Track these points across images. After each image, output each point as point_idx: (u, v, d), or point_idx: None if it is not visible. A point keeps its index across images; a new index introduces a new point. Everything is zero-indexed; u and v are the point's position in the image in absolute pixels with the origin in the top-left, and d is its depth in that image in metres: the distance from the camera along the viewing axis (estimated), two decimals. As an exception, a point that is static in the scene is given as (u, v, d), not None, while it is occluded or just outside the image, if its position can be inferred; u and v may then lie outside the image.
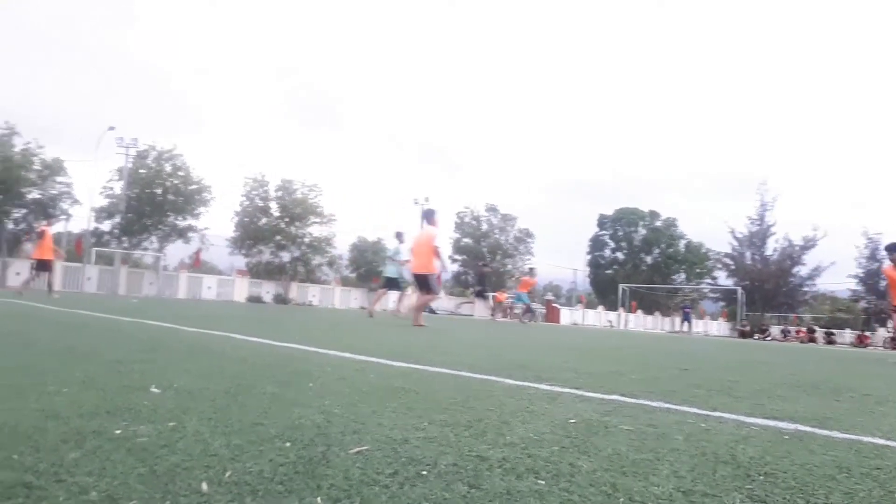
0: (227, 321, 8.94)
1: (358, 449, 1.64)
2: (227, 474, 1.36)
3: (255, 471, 1.40)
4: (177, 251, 36.89)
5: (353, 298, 38.31)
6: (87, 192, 39.21)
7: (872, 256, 49.82)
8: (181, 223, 35.10)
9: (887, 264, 10.45)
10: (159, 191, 33.77)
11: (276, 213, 36.59)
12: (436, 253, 10.62)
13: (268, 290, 34.82)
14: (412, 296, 11.01)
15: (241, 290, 33.52)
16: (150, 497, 1.20)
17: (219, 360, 3.71)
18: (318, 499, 1.24)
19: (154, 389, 2.37)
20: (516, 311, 22.57)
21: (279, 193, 36.71)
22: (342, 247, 41.11)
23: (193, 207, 34.82)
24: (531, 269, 24.75)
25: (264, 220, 36.29)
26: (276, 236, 36.34)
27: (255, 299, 32.55)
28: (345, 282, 40.96)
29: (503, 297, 26.35)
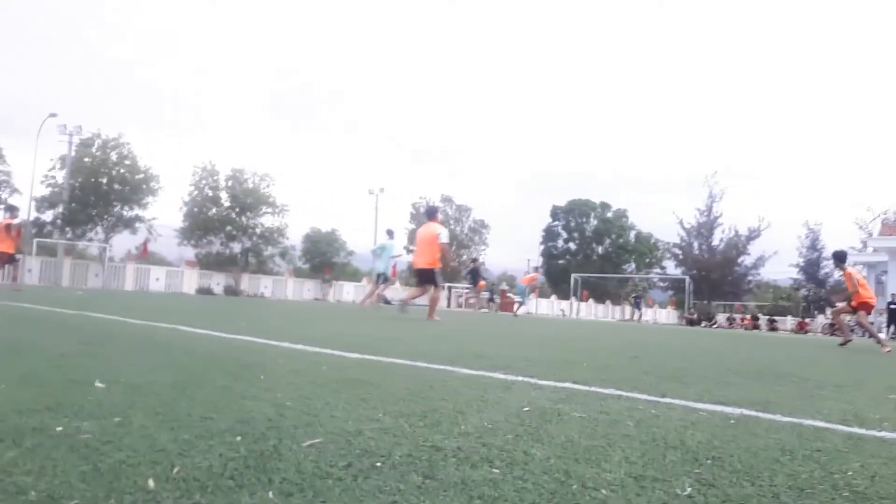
0: (176, 313, 8.73)
1: (311, 442, 1.61)
2: (175, 470, 1.32)
3: (205, 466, 1.36)
4: (123, 242, 35.82)
5: (306, 290, 37.91)
6: (28, 181, 37.54)
7: (813, 246, 51.77)
8: (128, 213, 34.08)
9: (848, 269, 11.99)
10: (105, 180, 32.66)
11: (227, 203, 35.88)
12: (442, 249, 10.76)
13: (218, 281, 34.18)
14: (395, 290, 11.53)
15: (190, 281, 32.80)
16: (94, 496, 1.16)
17: (167, 353, 3.62)
18: (270, 493, 1.21)
19: (99, 384, 2.29)
20: (516, 302, 23.17)
21: (230, 183, 36.01)
22: (295, 237, 40.58)
23: (141, 197, 33.83)
24: (536, 267, 25.53)
25: (214, 211, 35.56)
26: (227, 227, 35.66)
27: (205, 291, 31.93)
28: (297, 273, 40.45)
29: (483, 286, 26.92)
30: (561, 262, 58.03)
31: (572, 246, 59.83)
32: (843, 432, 2.18)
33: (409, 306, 11.57)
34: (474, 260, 27.46)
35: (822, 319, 37.30)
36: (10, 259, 14.59)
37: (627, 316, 38.82)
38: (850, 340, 11.95)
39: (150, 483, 1.23)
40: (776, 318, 40.43)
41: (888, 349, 9.84)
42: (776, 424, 2.27)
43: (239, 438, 1.62)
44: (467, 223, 52.47)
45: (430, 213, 11.62)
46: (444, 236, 10.75)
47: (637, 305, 37.42)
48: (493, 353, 4.53)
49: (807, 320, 39.25)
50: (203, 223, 35.26)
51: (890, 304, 25.34)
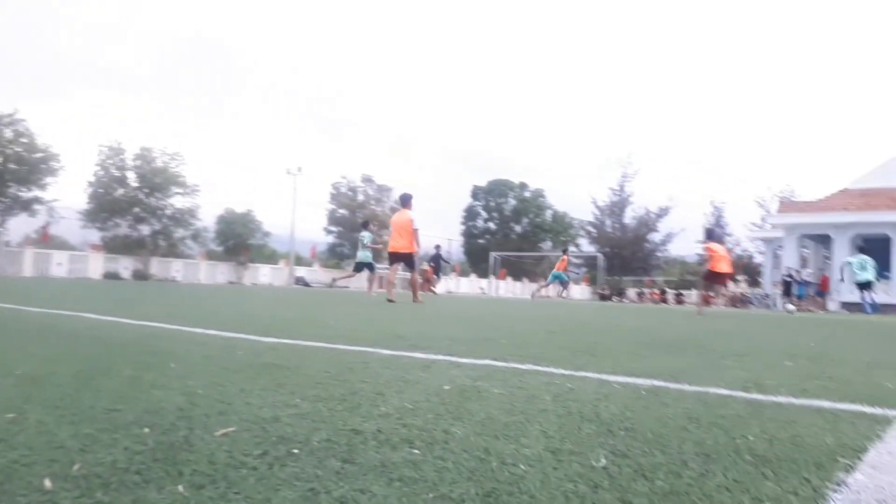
0: (80, 300, 8.28)
1: (224, 431, 1.56)
2: (76, 467, 1.24)
3: (108, 461, 1.29)
4: (21, 225, 33.53)
5: (220, 273, 36.79)
6: None
7: (717, 224, 54.41)
8: (25, 195, 31.89)
9: (712, 245, 13.34)
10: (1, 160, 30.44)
11: (135, 184, 34.21)
12: (415, 235, 11.32)
13: (126, 265, 32.67)
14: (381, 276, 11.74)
15: (95, 266, 31.19)
16: (-18, 499, 1.07)
17: (70, 341, 3.43)
18: (180, 487, 1.16)
19: (-10, 378, 2.14)
20: (559, 288, 24.48)
21: (137, 163, 34.31)
22: (208, 219, 39.19)
23: (39, 178, 31.71)
24: (565, 249, 26.35)
25: (121, 191, 33.84)
26: (135, 208, 34.03)
27: (112, 276, 30.47)
28: (211, 256, 39.15)
29: (431, 271, 27.32)
30: (481, 241, 58.71)
31: (492, 225, 60.62)
32: (744, 399, 2.31)
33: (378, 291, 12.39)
34: (437, 246, 28.27)
35: (724, 292, 39.25)
36: None
37: (554, 294, 39.92)
38: (709, 305, 14.10)
39: (47, 483, 1.15)
40: (683, 291, 42.36)
41: (700, 314, 11.74)
42: (684, 394, 2.37)
43: (146, 430, 1.54)
44: (388, 203, 52.09)
45: (405, 200, 11.94)
46: (416, 222, 11.32)
47: (564, 282, 38.56)
48: (413, 334, 4.53)
49: (711, 294, 41.36)
50: (109, 205, 33.51)
51: (784, 276, 27.03)
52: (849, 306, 25.29)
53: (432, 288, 26.12)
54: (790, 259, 30.71)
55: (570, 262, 56.60)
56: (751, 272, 48.47)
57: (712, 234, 14.67)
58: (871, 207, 29.17)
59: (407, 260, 11.44)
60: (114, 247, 33.69)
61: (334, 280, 14.73)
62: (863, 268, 17.26)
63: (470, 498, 1.16)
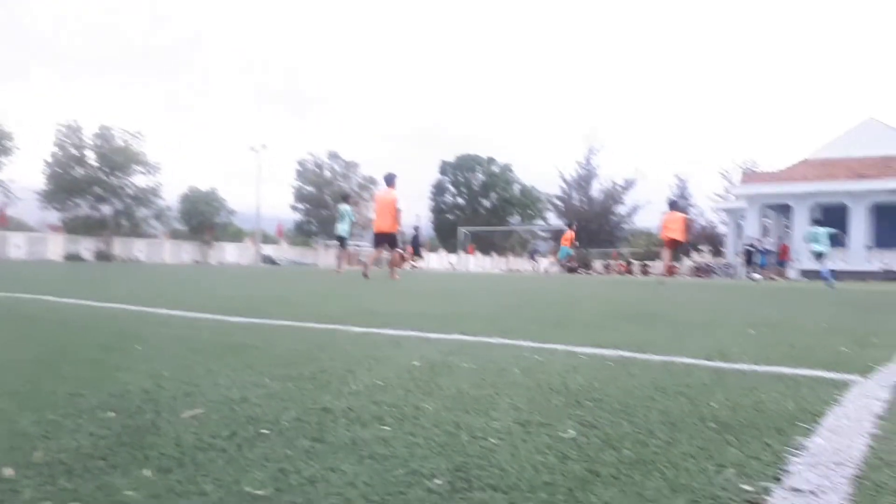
0: (41, 282, 8.08)
1: (191, 413, 1.54)
2: (38, 454, 1.21)
3: (72, 447, 1.26)
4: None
5: (184, 252, 36.22)
6: None
7: (682, 195, 55.16)
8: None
9: (673, 213, 14.51)
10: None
11: (94, 163, 33.31)
12: (398, 214, 11.60)
13: (87, 246, 31.95)
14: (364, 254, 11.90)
15: (56, 247, 30.45)
16: (-60, 490, 1.04)
17: (30, 325, 3.35)
18: (146, 471, 1.14)
19: (-54, 366, 2.08)
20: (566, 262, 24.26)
21: (97, 142, 33.37)
22: (171, 198, 38.42)
23: (-9, 158, 30.71)
24: (570, 223, 26.63)
25: (80, 171, 32.93)
26: (95, 188, 33.19)
27: (73, 257, 29.81)
28: (175, 235, 38.47)
29: (411, 250, 28.18)
30: (450, 216, 58.68)
31: (460, 200, 60.57)
32: (708, 367, 2.36)
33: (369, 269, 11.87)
34: (416, 227, 29.02)
35: (689, 263, 40.08)
36: None
37: (528, 268, 40.52)
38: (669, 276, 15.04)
39: (8, 471, 1.12)
40: (648, 263, 43.00)
41: (663, 283, 12.49)
42: (650, 364, 2.41)
43: (111, 414, 1.51)
44: (355, 179, 51.63)
45: (389, 180, 12.03)
46: (399, 202, 11.59)
47: (533, 256, 39.61)
48: (383, 310, 4.52)
49: (675, 264, 42.06)
50: (68, 185, 32.60)
51: (746, 246, 27.60)
52: (808, 274, 25.98)
53: (414, 264, 26.74)
54: (752, 229, 31.34)
55: (538, 236, 57.14)
56: (714, 242, 49.40)
57: (675, 205, 15.70)
58: (830, 177, 29.85)
59: (391, 240, 11.64)
60: (74, 227, 32.87)
61: (339, 271, 14.66)
62: (815, 239, 17.26)
63: (441, 473, 1.16)
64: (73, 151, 33.10)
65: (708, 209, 54.36)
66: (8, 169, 31.45)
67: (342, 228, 15.23)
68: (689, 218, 17.61)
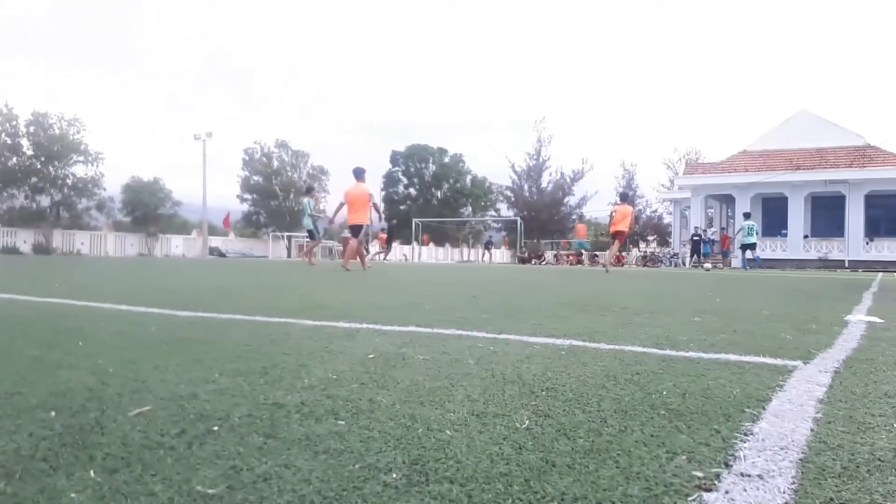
0: (-27, 277, 7.72)
1: (138, 410, 1.49)
2: (-27, 458, 1.16)
3: (11, 449, 1.21)
4: None
5: (128, 245, 35.16)
6: None
7: (628, 185, 56.19)
8: None
9: (623, 206, 15.59)
10: None
11: (30, 152, 31.95)
12: (374, 207, 12.28)
13: (25, 239, 30.69)
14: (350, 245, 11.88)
15: (-11, 240, 29.17)
16: None
17: (-39, 323, 3.19)
18: (91, 472, 1.10)
19: None
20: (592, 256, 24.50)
21: (31, 129, 31.99)
22: (114, 188, 37.16)
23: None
24: (581, 215, 27.06)
25: (14, 160, 31.54)
26: (31, 178, 31.84)
27: (10, 250, 28.61)
28: (118, 227, 37.26)
29: (384, 237, 29.41)
30: (402, 207, 58.42)
31: (412, 191, 60.37)
32: (657, 355, 2.41)
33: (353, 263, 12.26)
34: (390, 219, 30.24)
35: (636, 253, 40.93)
36: None
37: (478, 258, 40.85)
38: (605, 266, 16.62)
39: (-59, 477, 1.07)
40: (598, 253, 43.75)
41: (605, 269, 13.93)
42: (601, 352, 2.45)
43: (53, 414, 1.46)
44: (305, 169, 50.85)
45: (358, 174, 12.40)
46: (374, 197, 12.25)
47: (488, 247, 40.19)
48: (336, 303, 4.48)
49: (623, 254, 42.89)
50: (2, 175, 31.19)
51: (693, 236, 28.31)
52: (749, 263, 26.86)
53: (385, 256, 27.79)
54: (697, 219, 32.16)
55: (490, 227, 57.48)
56: (660, 232, 50.54)
57: (625, 198, 17.37)
58: (769, 168, 30.84)
59: (358, 230, 12.05)
60: (10, 219, 31.52)
61: (308, 261, 15.07)
62: (750, 233, 21.14)
63: (397, 466, 1.15)
64: (7, 140, 31.67)
65: (654, 199, 55.56)
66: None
67: (307, 222, 15.55)
68: (637, 210, 20.40)
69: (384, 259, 28.70)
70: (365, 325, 3.13)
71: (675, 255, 33.86)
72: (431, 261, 40.10)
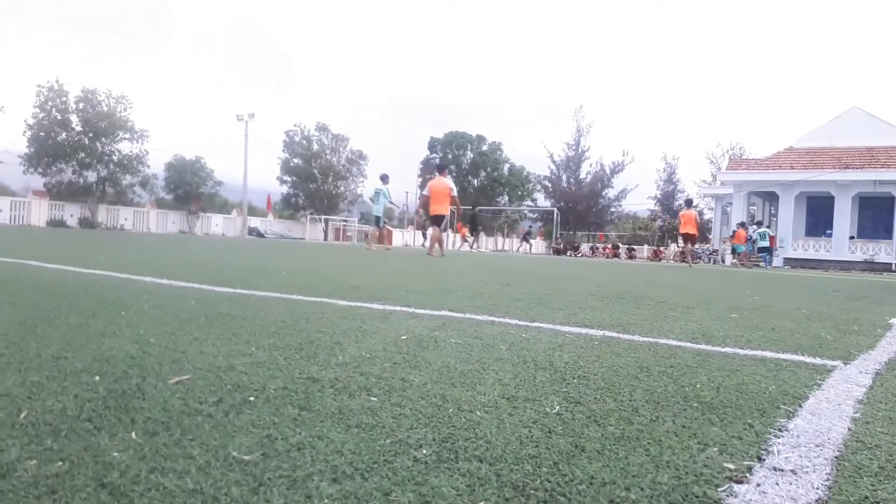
0: (23, 247, 7.99)
1: (178, 379, 1.53)
2: (23, 415, 1.21)
3: (58, 409, 1.26)
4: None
5: (170, 222, 35.94)
6: None
7: (669, 179, 55.35)
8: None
9: (687, 211, 18.27)
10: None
11: (78, 128, 32.79)
12: (453, 200, 13.11)
13: (72, 212, 31.61)
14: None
15: (39, 213, 30.10)
16: (-77, 448, 1.03)
17: (11, 290, 3.31)
18: (133, 433, 1.14)
19: (-73, 326, 2.05)
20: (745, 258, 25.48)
21: (81, 105, 32.81)
22: (157, 166, 37.95)
23: (-29, 119, 30.06)
24: (742, 223, 27.90)
25: (64, 136, 32.41)
26: (79, 153, 32.70)
27: (57, 223, 29.52)
28: (160, 204, 38.11)
29: (464, 230, 31.54)
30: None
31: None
32: (692, 349, 2.38)
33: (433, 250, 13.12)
34: (473, 207, 31.77)
35: (674, 247, 40.34)
36: None
37: (513, 248, 41.09)
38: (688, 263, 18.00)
39: (-8, 430, 1.12)
40: (634, 246, 43.22)
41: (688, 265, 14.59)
42: (635, 344, 2.43)
43: (97, 378, 1.51)
44: (344, 154, 51.19)
45: (441, 168, 14.07)
46: (454, 190, 13.13)
47: (526, 238, 40.43)
48: (370, 285, 4.52)
49: (661, 248, 42.30)
50: (51, 149, 32.07)
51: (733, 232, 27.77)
52: (792, 262, 26.30)
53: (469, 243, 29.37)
54: (739, 215, 31.51)
55: (526, 216, 57.17)
56: (700, 228, 49.65)
57: (689, 204, 19.14)
58: (815, 166, 29.99)
59: (439, 220, 13.13)
60: (58, 193, 32.45)
61: (369, 247, 15.40)
62: (763, 238, 24.92)
63: (427, 443, 1.17)
64: (57, 115, 32.52)
65: (695, 194, 54.62)
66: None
67: (377, 209, 16.01)
68: (676, 205, 23.53)
69: (471, 249, 29.77)
70: (398, 308, 3.16)
71: (715, 251, 33.24)
72: (466, 249, 40.12)
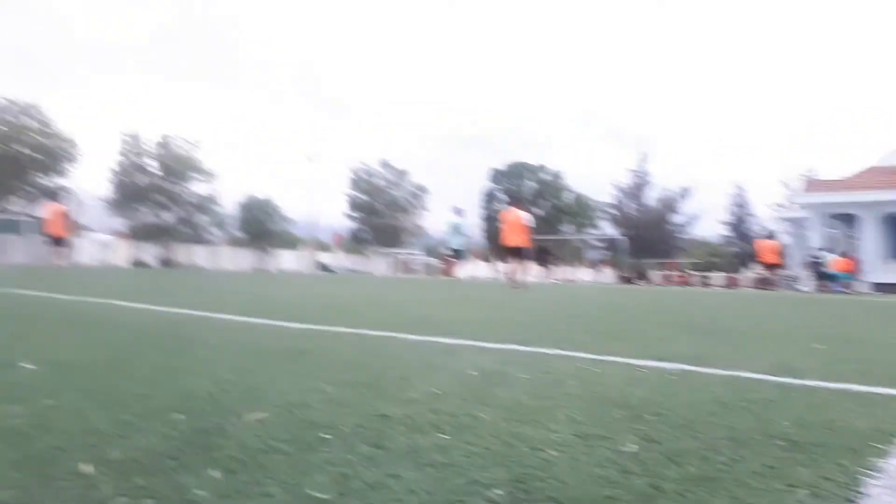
0: (109, 288, 8.42)
1: (255, 416, 1.57)
2: (113, 453, 1.26)
3: (144, 446, 1.31)
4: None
5: (243, 259, 37.18)
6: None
7: (740, 203, 53.70)
8: (48, 183, 32.26)
9: (765, 240, 20.34)
10: (21, 148, 30.77)
11: (157, 172, 34.58)
12: (528, 231, 13.42)
13: (152, 252, 33.16)
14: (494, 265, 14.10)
15: (122, 253, 31.71)
16: (26, 485, 1.10)
17: (100, 329, 3.49)
18: (214, 471, 1.18)
19: (27, 365, 2.18)
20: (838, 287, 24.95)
21: (158, 150, 34.65)
22: (229, 206, 39.51)
23: (59, 165, 32.06)
24: (844, 252, 28.50)
25: (143, 179, 34.23)
26: (157, 195, 34.42)
27: (139, 263, 30.96)
28: (234, 242, 39.55)
29: (544, 261, 32.85)
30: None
31: (512, 209, 60.21)
32: (774, 383, 2.28)
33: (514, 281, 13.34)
34: (544, 238, 34.09)
35: (750, 274, 38.87)
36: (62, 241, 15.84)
37: (585, 277, 40.88)
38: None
39: (86, 468, 1.17)
40: (708, 273, 41.93)
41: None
42: (713, 378, 2.35)
43: (180, 416, 1.56)
44: (406, 187, 52.04)
45: (515, 201, 15.36)
46: (528, 220, 13.45)
47: (595, 267, 40.10)
48: (438, 318, 4.54)
49: (737, 275, 40.87)
50: (132, 192, 33.91)
51: (813, 258, 26.62)
52: (882, 287, 24.94)
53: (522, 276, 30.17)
54: (816, 239, 30.21)
55: (591, 246, 56.38)
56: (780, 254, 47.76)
57: (771, 236, 21.09)
58: (900, 186, 28.51)
59: (519, 252, 13.40)
60: (139, 234, 34.15)
61: (446, 274, 16.68)
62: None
63: (500, 483, 1.16)
64: (136, 160, 34.39)
65: (769, 218, 52.75)
66: (74, 176, 32.79)
67: (456, 241, 16.43)
68: (781, 244, 23.63)
69: (547, 280, 30.52)
70: (466, 342, 3.16)
71: (793, 277, 31.88)
72: (531, 279, 39.86)
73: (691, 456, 1.35)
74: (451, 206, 17.77)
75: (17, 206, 31.42)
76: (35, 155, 30.94)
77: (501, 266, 15.20)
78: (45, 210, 16.59)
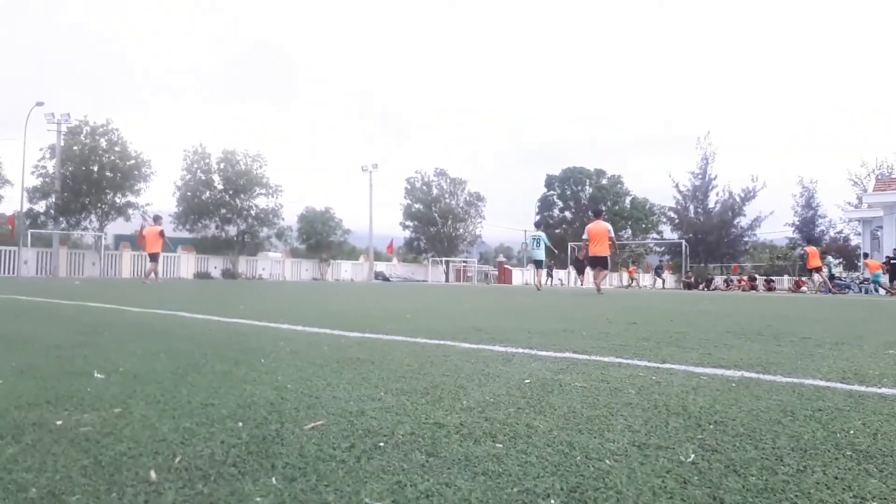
0: (174, 299, 8.72)
1: (313, 424, 1.61)
2: (177, 460, 1.31)
3: (207, 454, 1.36)
4: (118, 229, 35.49)
5: (303, 270, 37.95)
6: (19, 172, 36.97)
7: (808, 205, 51.77)
8: (120, 200, 33.71)
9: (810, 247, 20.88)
10: (95, 167, 32.27)
11: (220, 186, 35.69)
12: (612, 242, 14.31)
13: (216, 265, 34.19)
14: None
15: (187, 266, 32.80)
16: (95, 490, 1.15)
17: (166, 340, 3.62)
18: (273, 479, 1.21)
19: (97, 374, 2.29)
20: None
21: (221, 165, 35.78)
22: (290, 218, 40.41)
23: (132, 183, 33.47)
24: (866, 254, 28.94)
25: (207, 194, 35.37)
26: (221, 209, 35.51)
27: (202, 275, 31.96)
28: (294, 253, 40.42)
29: (634, 271, 32.86)
30: (557, 231, 57.89)
31: (568, 215, 59.56)
32: (843, 390, 2.19)
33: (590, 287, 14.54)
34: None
35: (817, 278, 37.43)
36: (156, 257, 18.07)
37: (649, 284, 40.26)
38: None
39: (152, 474, 1.22)
40: (773, 277, 40.51)
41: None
42: (777, 385, 2.27)
43: (240, 424, 1.61)
44: (462, 196, 52.16)
45: (598, 213, 15.59)
46: (612, 231, 14.33)
47: (658, 273, 39.49)
48: (492, 327, 4.53)
49: (803, 279, 39.33)
50: (197, 207, 35.08)
51: (889, 258, 25.41)
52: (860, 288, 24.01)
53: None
54: (891, 240, 28.81)
55: (652, 250, 55.30)
56: (846, 255, 45.81)
57: (811, 241, 21.71)
58: (983, 182, 26.94)
59: (604, 262, 14.22)
60: (203, 247, 35.28)
61: (539, 287, 17.44)
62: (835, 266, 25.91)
63: (555, 493, 1.15)
64: (201, 175, 35.57)
65: (838, 219, 50.66)
66: (145, 194, 34.09)
67: (539, 253, 17.33)
68: (819, 231, 23.90)
69: (628, 286, 30.63)
70: (520, 350, 3.14)
71: (866, 280, 30.47)
72: (588, 286, 39.31)
73: (754, 466, 1.31)
74: (533, 221, 18.34)
75: (92, 223, 32.92)
76: (110, 174, 32.36)
77: (581, 276, 16.31)
78: (146, 231, 18.70)
